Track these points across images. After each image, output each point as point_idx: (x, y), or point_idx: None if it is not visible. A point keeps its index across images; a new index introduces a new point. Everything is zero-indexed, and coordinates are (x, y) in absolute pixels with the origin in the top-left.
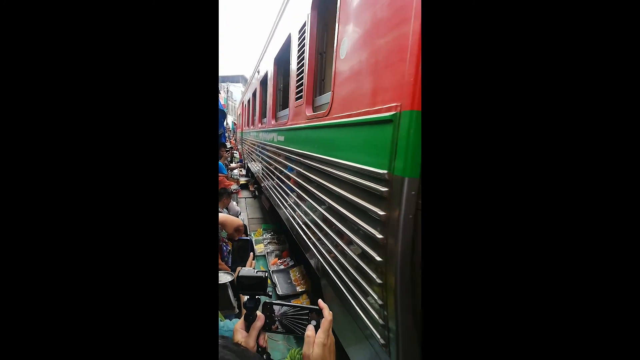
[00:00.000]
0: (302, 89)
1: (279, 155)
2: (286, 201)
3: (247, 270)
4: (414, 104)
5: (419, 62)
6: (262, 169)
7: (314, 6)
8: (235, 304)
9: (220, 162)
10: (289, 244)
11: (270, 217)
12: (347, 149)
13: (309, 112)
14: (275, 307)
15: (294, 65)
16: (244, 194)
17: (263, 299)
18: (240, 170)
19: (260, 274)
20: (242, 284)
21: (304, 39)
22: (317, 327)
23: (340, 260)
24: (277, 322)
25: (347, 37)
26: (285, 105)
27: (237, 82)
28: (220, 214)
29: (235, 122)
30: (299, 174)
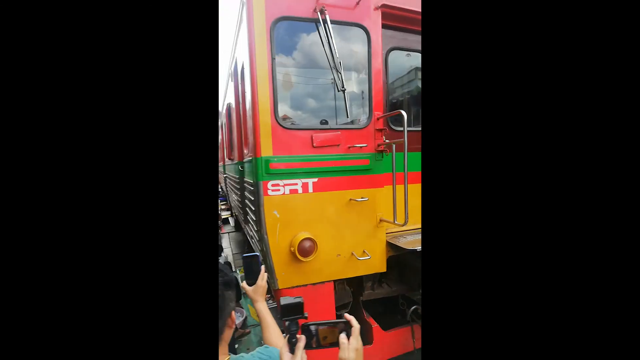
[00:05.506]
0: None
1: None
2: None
3: (287, 299)
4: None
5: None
6: (237, 200)
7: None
8: None
9: None
10: None
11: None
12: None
13: None
14: (311, 327)
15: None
16: (227, 228)
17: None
18: (222, 204)
19: (298, 299)
20: (285, 310)
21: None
22: (348, 336)
23: None
24: (314, 339)
25: None
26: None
27: None
28: None
29: None
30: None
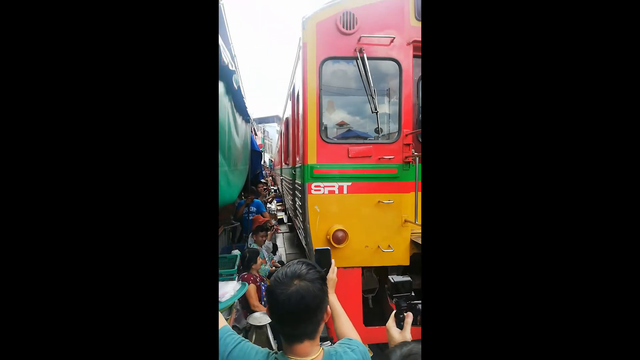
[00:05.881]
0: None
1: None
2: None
3: (397, 277)
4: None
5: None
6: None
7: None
8: (275, 344)
9: (258, 200)
10: None
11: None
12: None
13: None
14: (419, 306)
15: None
16: (282, 228)
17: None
18: (278, 205)
19: (407, 278)
20: (395, 288)
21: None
22: None
23: None
24: (419, 316)
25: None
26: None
27: (273, 122)
28: None
29: (272, 159)
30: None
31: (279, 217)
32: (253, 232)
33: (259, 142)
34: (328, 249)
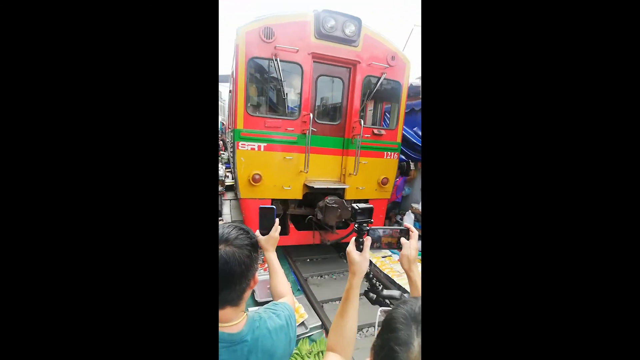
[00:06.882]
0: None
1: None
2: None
3: (361, 204)
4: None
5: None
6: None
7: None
8: None
9: None
10: None
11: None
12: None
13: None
14: (378, 231)
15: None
16: (229, 195)
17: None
18: (227, 171)
19: (370, 205)
20: (358, 213)
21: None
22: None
23: None
24: (377, 242)
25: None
26: None
27: (227, 82)
28: None
29: (224, 123)
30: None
31: (227, 184)
32: None
33: None
34: (273, 207)
